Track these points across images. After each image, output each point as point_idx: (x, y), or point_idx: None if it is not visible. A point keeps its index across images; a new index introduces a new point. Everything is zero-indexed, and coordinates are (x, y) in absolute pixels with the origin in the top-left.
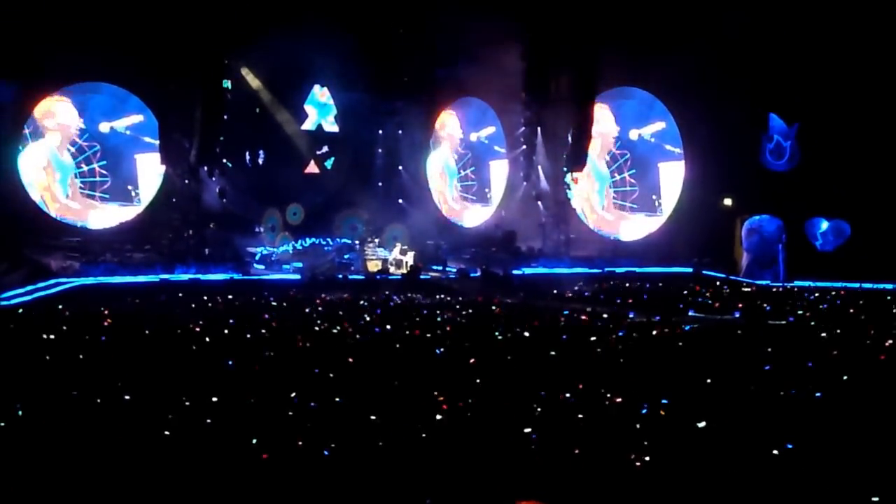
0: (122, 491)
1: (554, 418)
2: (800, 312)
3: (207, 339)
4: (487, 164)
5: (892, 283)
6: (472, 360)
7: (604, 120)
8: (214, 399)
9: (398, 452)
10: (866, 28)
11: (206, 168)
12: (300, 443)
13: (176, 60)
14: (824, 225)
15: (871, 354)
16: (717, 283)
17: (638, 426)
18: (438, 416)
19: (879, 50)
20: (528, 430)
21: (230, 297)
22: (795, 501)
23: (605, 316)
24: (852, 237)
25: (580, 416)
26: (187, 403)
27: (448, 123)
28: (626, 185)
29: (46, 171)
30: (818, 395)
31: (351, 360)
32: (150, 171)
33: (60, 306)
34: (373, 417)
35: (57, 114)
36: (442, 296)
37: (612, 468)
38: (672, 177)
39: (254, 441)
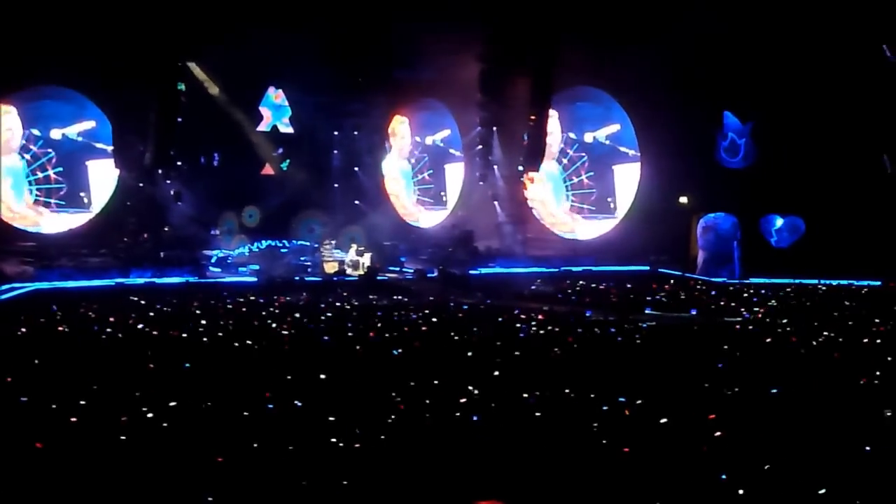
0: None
1: (512, 417)
2: (756, 308)
3: (164, 343)
4: (443, 168)
5: (846, 278)
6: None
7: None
8: (172, 403)
9: (355, 453)
10: (819, 26)
11: (160, 171)
12: (255, 445)
13: (129, 63)
14: (779, 222)
15: (826, 351)
16: (673, 280)
17: (596, 424)
18: (394, 417)
19: (832, 48)
20: (485, 429)
21: (187, 299)
22: (752, 493)
23: (562, 315)
24: (807, 234)
25: (538, 414)
26: (144, 409)
27: (404, 126)
28: (584, 188)
29: None
30: (773, 391)
31: (309, 361)
32: (101, 178)
33: (15, 311)
34: (331, 419)
35: (5, 120)
36: (399, 296)
37: (571, 466)
38: (627, 179)
39: (210, 444)
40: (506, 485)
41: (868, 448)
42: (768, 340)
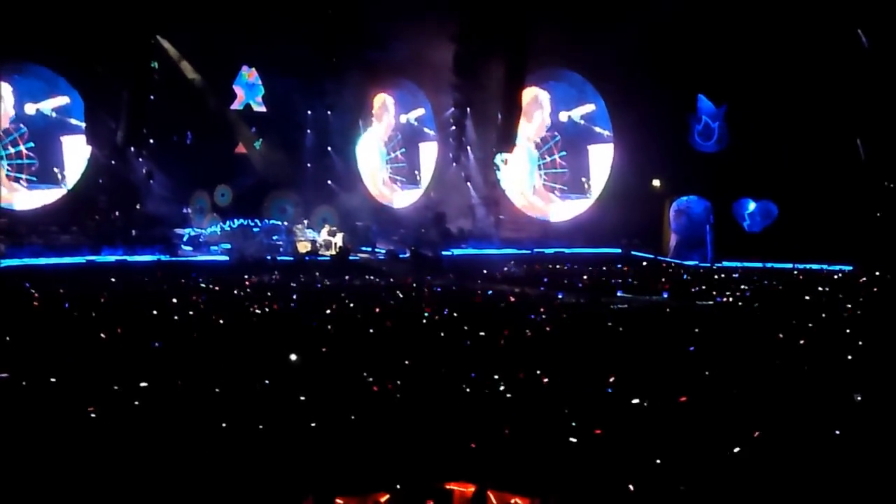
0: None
1: (483, 399)
2: (728, 292)
3: (135, 321)
4: (417, 147)
5: (819, 263)
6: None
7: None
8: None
9: (328, 434)
10: (794, 10)
11: (133, 149)
12: (224, 424)
13: (102, 41)
14: (752, 206)
15: (795, 335)
16: (646, 263)
17: (567, 406)
18: (367, 397)
19: (807, 32)
20: (458, 410)
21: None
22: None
23: (533, 297)
24: (779, 218)
25: (508, 395)
26: (115, 387)
27: (379, 105)
28: (556, 168)
29: None
30: (742, 374)
31: (281, 341)
32: (76, 154)
33: None
34: (302, 398)
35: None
36: (371, 277)
37: (541, 448)
38: (601, 159)
39: (180, 422)
40: (478, 466)
41: (837, 432)
42: (740, 324)
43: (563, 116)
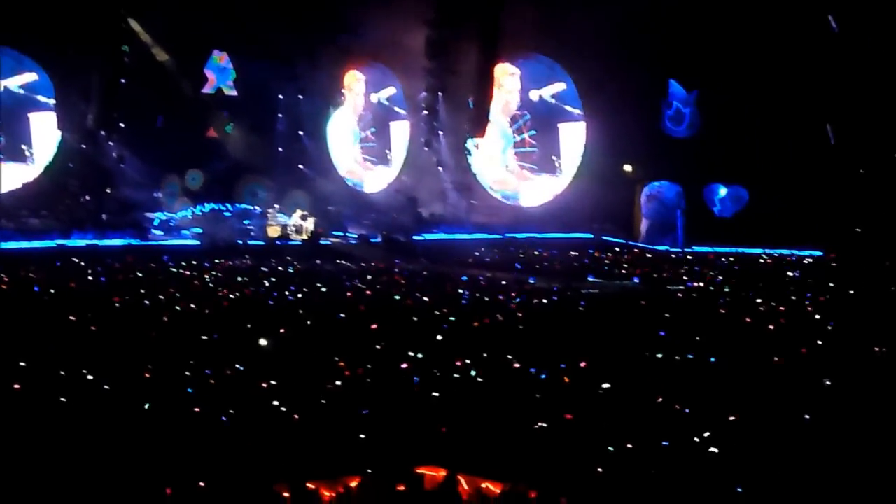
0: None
1: (455, 384)
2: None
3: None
4: (388, 126)
5: (789, 248)
6: (373, 326)
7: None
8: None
9: (299, 418)
10: None
11: (104, 133)
12: (196, 409)
13: (74, 24)
14: (722, 191)
15: (765, 320)
16: (617, 248)
17: (538, 391)
18: (338, 382)
19: (778, 18)
20: (429, 395)
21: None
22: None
23: (505, 282)
24: (750, 203)
25: (479, 380)
26: (85, 372)
27: (359, 84)
28: (526, 146)
29: None
30: (712, 359)
31: (249, 325)
32: (44, 130)
33: None
34: (273, 383)
35: None
36: (343, 261)
37: (512, 433)
38: (572, 138)
39: (146, 406)
40: (448, 451)
41: (807, 416)
42: (710, 309)
43: (534, 95)
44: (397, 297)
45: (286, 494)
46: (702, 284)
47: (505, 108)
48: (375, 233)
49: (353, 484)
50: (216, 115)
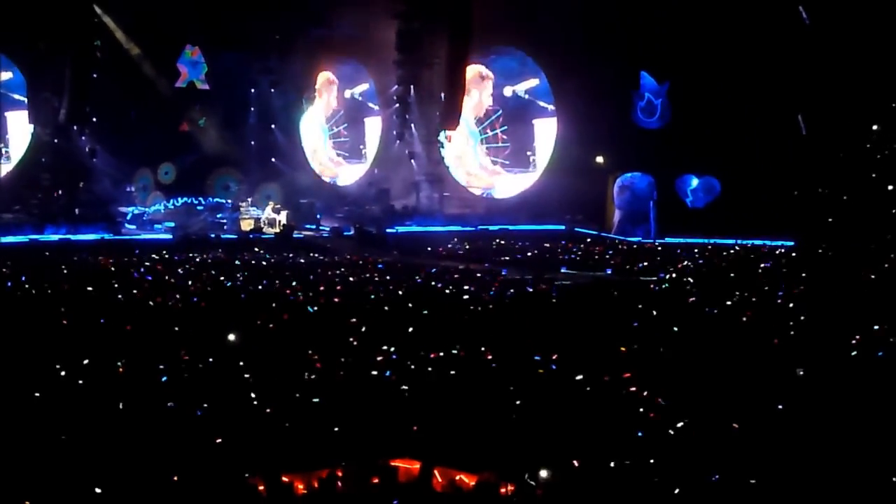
0: None
1: (428, 376)
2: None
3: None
4: (362, 121)
5: (761, 239)
6: (351, 320)
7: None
8: (85, 361)
9: (272, 411)
10: None
11: (76, 127)
12: (170, 403)
13: (45, 18)
14: (695, 182)
15: (738, 311)
16: (589, 240)
17: (512, 383)
18: (312, 375)
19: (749, 9)
20: (403, 387)
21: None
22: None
23: (478, 273)
24: (722, 194)
25: (452, 372)
26: (58, 366)
27: (322, 82)
28: (499, 142)
29: None
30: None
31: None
32: (19, 130)
33: None
34: (246, 376)
35: None
36: (315, 254)
37: (485, 425)
38: (545, 134)
39: (120, 404)
40: (422, 444)
41: (780, 406)
42: (682, 300)
43: (507, 91)
44: (370, 289)
45: (261, 487)
46: (674, 275)
47: (477, 106)
48: (348, 225)
49: (328, 476)
50: (189, 110)
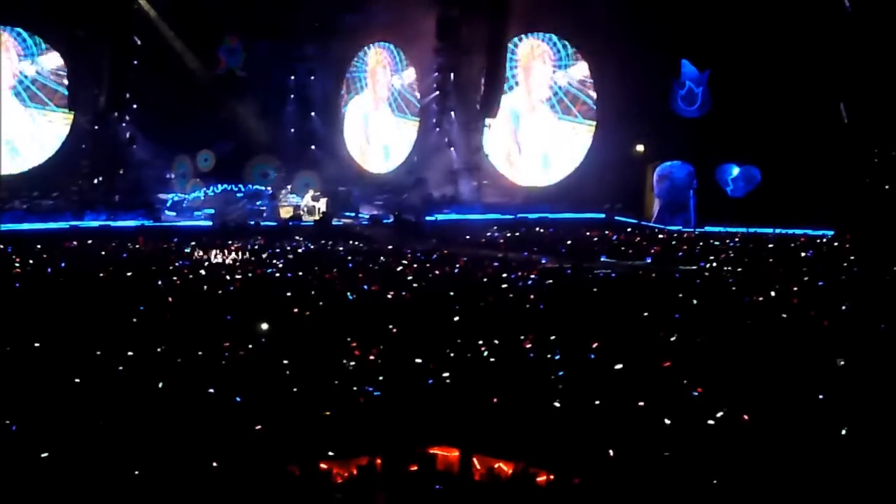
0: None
1: (468, 364)
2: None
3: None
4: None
5: (801, 227)
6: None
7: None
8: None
9: (311, 398)
10: None
11: (115, 114)
12: (211, 390)
13: (85, 5)
14: (735, 171)
15: (780, 299)
16: (629, 228)
17: (550, 371)
18: (351, 363)
19: None
20: (444, 375)
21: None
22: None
23: (517, 262)
24: (762, 183)
25: (492, 360)
26: (98, 352)
27: (374, 64)
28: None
29: None
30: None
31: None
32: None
33: None
34: (285, 363)
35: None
36: (354, 242)
37: (525, 413)
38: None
39: (159, 386)
40: (460, 432)
41: (821, 396)
42: (722, 289)
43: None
44: (409, 278)
45: (299, 474)
46: (714, 264)
47: (537, 89)
48: (387, 213)
49: (367, 464)
50: (227, 97)
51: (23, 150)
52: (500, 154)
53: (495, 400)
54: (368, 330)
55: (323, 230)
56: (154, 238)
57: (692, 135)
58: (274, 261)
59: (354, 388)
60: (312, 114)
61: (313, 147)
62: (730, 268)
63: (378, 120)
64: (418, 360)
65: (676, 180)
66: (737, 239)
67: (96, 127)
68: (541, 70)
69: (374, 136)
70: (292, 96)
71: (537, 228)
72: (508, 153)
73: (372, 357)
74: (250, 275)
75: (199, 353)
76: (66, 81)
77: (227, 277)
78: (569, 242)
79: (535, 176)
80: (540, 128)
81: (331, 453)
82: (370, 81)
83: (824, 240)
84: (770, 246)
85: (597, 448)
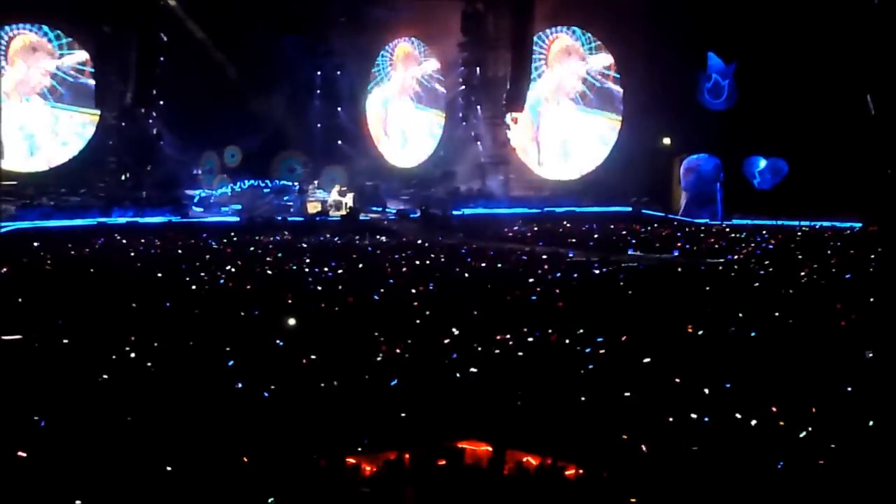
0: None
1: (495, 358)
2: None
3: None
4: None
5: (829, 220)
6: (414, 304)
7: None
8: (155, 343)
9: (339, 393)
10: None
11: (142, 110)
12: (239, 385)
13: (111, 3)
14: (762, 163)
15: (807, 292)
16: (656, 222)
17: (579, 365)
18: (378, 357)
19: None
20: (471, 370)
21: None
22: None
23: (543, 256)
24: (789, 175)
25: (520, 354)
26: (127, 348)
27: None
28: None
29: None
30: (753, 333)
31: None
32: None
33: None
34: (313, 357)
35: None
36: (382, 237)
37: (552, 408)
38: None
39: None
40: (489, 426)
41: (849, 388)
42: (750, 282)
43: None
44: (437, 273)
45: (326, 469)
46: (742, 257)
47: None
48: (414, 208)
49: (395, 459)
50: (254, 92)
51: (49, 148)
52: (525, 148)
53: (524, 394)
54: (396, 324)
55: (350, 225)
56: (182, 233)
57: (719, 127)
58: (302, 255)
59: (382, 383)
60: (339, 109)
61: (340, 142)
62: (757, 260)
63: (404, 113)
64: (445, 355)
65: (703, 173)
66: (764, 232)
67: (123, 124)
68: (568, 64)
69: (402, 131)
70: (319, 91)
71: (564, 222)
72: (531, 147)
73: (399, 351)
74: (278, 270)
75: (227, 348)
76: (92, 80)
77: (255, 272)
78: (596, 236)
79: (562, 170)
80: (565, 121)
81: (359, 448)
82: (395, 75)
83: (851, 231)
84: (798, 238)
85: (625, 442)
